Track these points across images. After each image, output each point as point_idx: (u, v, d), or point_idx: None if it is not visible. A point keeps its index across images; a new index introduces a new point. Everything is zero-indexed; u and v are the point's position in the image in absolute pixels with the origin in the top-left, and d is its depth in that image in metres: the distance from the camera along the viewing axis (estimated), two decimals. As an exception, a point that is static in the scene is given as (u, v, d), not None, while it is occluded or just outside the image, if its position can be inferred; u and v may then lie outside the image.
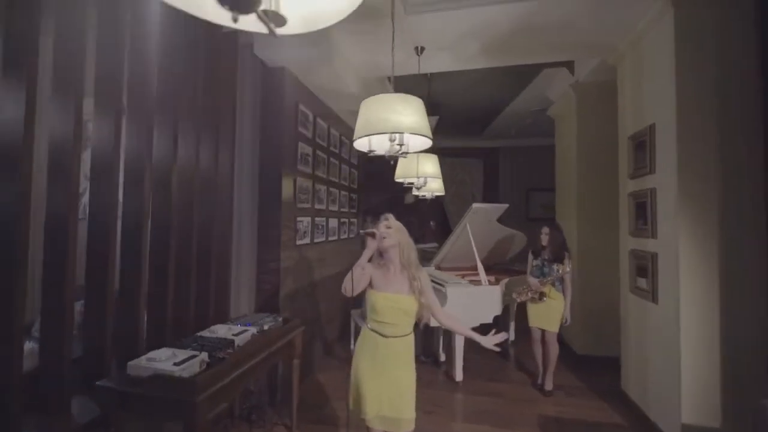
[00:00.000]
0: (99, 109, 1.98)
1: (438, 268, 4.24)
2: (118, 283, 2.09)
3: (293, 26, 0.69)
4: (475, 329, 3.31)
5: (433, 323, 3.30)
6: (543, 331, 3.23)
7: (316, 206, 3.71)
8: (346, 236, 4.67)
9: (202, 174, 2.54)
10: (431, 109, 3.69)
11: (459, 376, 3.39)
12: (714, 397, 2.21)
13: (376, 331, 1.77)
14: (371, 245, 1.76)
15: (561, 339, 3.35)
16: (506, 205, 4.00)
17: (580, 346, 4.02)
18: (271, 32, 0.64)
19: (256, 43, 2.78)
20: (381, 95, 1.79)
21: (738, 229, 2.18)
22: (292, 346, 2.50)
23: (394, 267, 1.79)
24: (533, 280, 3.22)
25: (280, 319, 2.50)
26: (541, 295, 3.17)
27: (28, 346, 2.17)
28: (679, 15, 2.25)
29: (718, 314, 2.21)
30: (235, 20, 0.57)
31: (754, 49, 2.14)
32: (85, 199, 2.06)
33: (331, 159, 4.14)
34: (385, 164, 2.80)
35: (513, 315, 4.46)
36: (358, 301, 4.45)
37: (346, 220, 4.70)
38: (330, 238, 4.11)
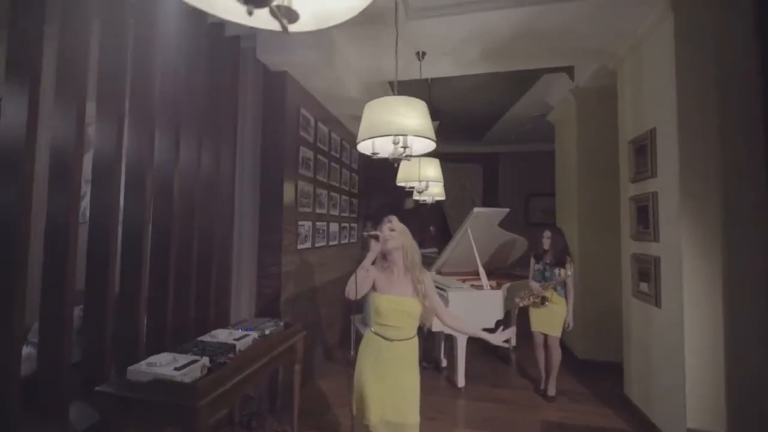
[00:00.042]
0: (101, 113, 1.97)
1: (439, 272, 4.22)
2: (117, 287, 2.08)
3: (305, 23, 0.69)
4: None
5: (435, 328, 3.30)
6: (545, 336, 3.21)
7: (317, 210, 3.71)
8: (346, 241, 4.66)
9: (204, 178, 2.54)
10: (431, 115, 3.71)
11: (461, 381, 3.36)
12: (719, 401, 2.20)
13: (379, 335, 1.76)
14: (375, 248, 1.75)
15: (563, 344, 3.33)
16: (507, 210, 3.99)
17: (582, 351, 4.00)
18: (284, 28, 0.63)
19: (259, 47, 2.79)
20: (385, 98, 1.79)
21: (740, 232, 2.18)
22: (293, 351, 2.47)
23: (398, 269, 1.79)
24: (535, 285, 3.20)
25: (282, 323, 2.48)
26: (543, 300, 3.16)
27: (26, 350, 2.14)
28: (678, 19, 2.27)
29: (722, 317, 2.20)
30: (250, 13, 0.57)
31: (753, 53, 2.15)
32: (85, 202, 2.05)
33: (332, 163, 4.14)
34: (386, 169, 2.81)
35: (514, 320, 4.43)
36: (359, 306, 4.44)
37: (347, 224, 4.69)
38: (331, 243, 4.10)
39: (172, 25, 2.28)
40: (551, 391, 3.20)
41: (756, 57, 2.12)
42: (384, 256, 1.79)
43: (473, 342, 3.41)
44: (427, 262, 4.55)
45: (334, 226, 4.18)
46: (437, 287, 3.34)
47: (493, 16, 2.53)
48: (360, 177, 5.33)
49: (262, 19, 0.66)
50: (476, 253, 3.64)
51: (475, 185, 7.48)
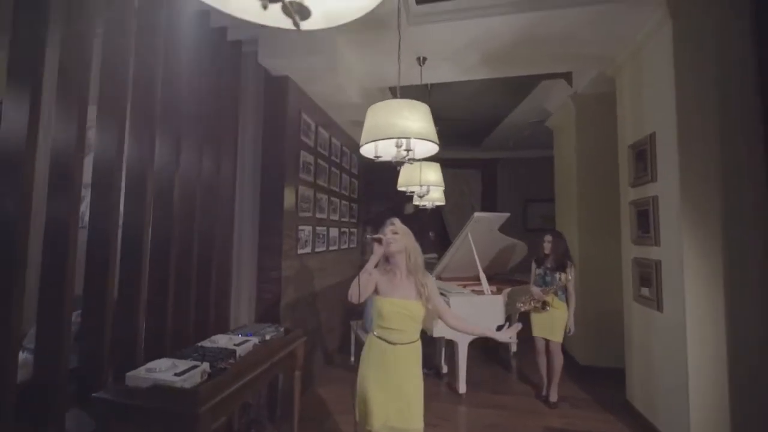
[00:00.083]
0: (102, 117, 1.97)
1: (439, 278, 4.20)
2: (116, 293, 2.05)
3: (316, 21, 0.69)
4: (478, 339, 3.35)
5: (437, 333, 3.28)
6: (547, 341, 3.20)
7: (318, 215, 3.69)
8: (346, 246, 4.64)
9: (204, 182, 2.53)
10: (432, 119, 3.73)
11: (462, 388, 3.33)
12: (723, 404, 2.19)
13: (382, 338, 1.74)
14: (378, 251, 1.74)
15: (564, 350, 3.31)
16: (507, 214, 4.00)
17: (583, 357, 3.98)
18: (296, 25, 0.63)
19: (261, 51, 2.80)
20: (388, 101, 1.80)
21: (741, 234, 2.19)
22: (293, 357, 2.44)
23: (401, 272, 1.78)
24: (536, 290, 3.19)
25: (282, 329, 2.45)
26: (544, 305, 3.14)
27: (21, 356, 2.10)
28: (677, 26, 2.30)
29: (724, 320, 2.20)
30: (264, 7, 0.56)
31: (752, 58, 2.18)
32: (83, 206, 2.03)
33: (332, 168, 4.14)
34: (385, 174, 2.81)
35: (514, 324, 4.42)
36: (359, 312, 4.41)
37: (347, 229, 4.68)
38: (331, 248, 4.08)
39: (175, 30, 2.28)
40: (553, 397, 3.18)
41: (754, 61, 2.15)
42: (387, 258, 1.78)
43: (474, 348, 3.38)
44: (427, 268, 4.54)
45: (334, 231, 4.17)
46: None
47: (494, 22, 2.56)
48: (360, 182, 5.33)
49: (274, 17, 0.66)
50: (477, 258, 3.63)
51: (473, 191, 7.49)
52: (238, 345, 2.05)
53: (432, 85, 3.89)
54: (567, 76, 4.02)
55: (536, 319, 3.23)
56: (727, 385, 2.17)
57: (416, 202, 4.00)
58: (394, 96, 3.13)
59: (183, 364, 1.74)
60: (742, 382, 2.16)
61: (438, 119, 5.48)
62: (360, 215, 5.35)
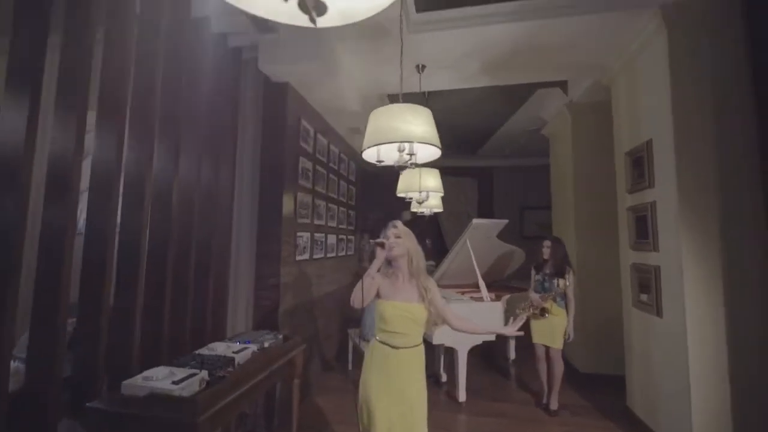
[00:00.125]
0: (101, 123, 1.95)
1: (437, 285, 4.18)
2: (112, 299, 2.01)
3: (331, 18, 0.69)
4: (477, 346, 3.32)
5: (436, 341, 3.25)
6: (547, 348, 3.18)
7: (316, 222, 3.68)
8: (344, 253, 4.62)
9: (203, 187, 2.50)
10: (430, 127, 3.76)
11: (462, 396, 3.29)
12: (725, 408, 2.18)
13: (385, 343, 1.72)
14: (380, 255, 1.73)
15: (564, 357, 3.30)
16: (506, 221, 4.01)
17: (583, 365, 3.96)
18: (312, 21, 0.63)
19: (261, 57, 2.81)
20: (390, 105, 1.80)
21: (739, 238, 2.21)
22: (292, 364, 2.40)
23: (403, 275, 1.77)
24: (534, 296, 3.19)
25: (281, 336, 2.42)
26: (543, 311, 3.13)
27: (12, 365, 2.04)
28: (672, 35, 2.35)
29: (724, 323, 2.21)
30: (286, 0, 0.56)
31: (746, 64, 2.22)
32: (79, 211, 1.99)
33: (331, 175, 4.14)
34: (383, 181, 2.81)
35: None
36: (356, 320, 4.36)
37: (345, 236, 4.66)
38: (329, 255, 4.05)
39: (175, 35, 2.28)
40: (553, 405, 3.15)
41: (749, 68, 2.19)
42: (389, 262, 1.77)
43: (472, 355, 3.36)
44: (425, 275, 4.52)
45: (331, 238, 4.15)
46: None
47: (493, 31, 2.60)
48: (357, 189, 5.33)
49: (291, 13, 0.66)
50: (476, 265, 3.62)
51: (470, 199, 7.52)
52: (236, 352, 2.01)
53: (429, 93, 3.93)
54: (562, 85, 4.08)
55: (536, 325, 3.21)
56: (728, 389, 2.18)
57: (414, 208, 4.00)
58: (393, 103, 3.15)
59: (181, 372, 1.70)
60: (743, 386, 2.16)
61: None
62: (357, 222, 5.34)
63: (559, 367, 3.14)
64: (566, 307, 3.13)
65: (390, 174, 3.14)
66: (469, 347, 3.30)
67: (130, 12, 2.06)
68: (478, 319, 3.34)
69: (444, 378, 3.75)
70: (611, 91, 3.27)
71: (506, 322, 3.70)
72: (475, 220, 3.70)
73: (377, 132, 1.73)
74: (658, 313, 2.56)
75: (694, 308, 2.25)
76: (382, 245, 1.72)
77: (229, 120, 2.75)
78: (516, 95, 4.45)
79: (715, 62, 2.28)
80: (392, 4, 0.75)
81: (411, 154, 1.75)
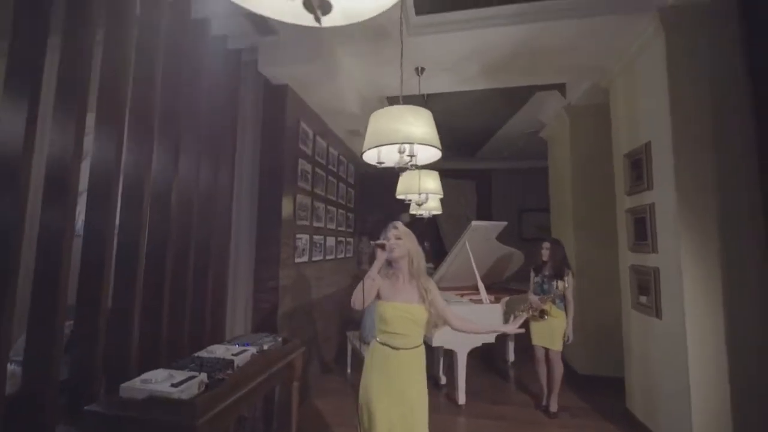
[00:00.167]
0: (100, 124, 1.94)
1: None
2: (110, 302, 1.99)
3: (334, 18, 0.69)
4: (476, 349, 3.31)
5: (435, 343, 3.24)
6: (546, 350, 3.18)
7: (315, 224, 3.67)
8: (343, 255, 4.61)
9: (202, 190, 2.50)
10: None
11: (462, 399, 3.28)
12: (725, 409, 2.19)
13: (386, 344, 1.72)
14: (381, 257, 1.72)
15: (563, 359, 3.29)
16: (505, 223, 4.01)
17: (582, 366, 3.96)
18: (317, 20, 0.63)
19: (261, 59, 2.81)
20: (391, 107, 1.80)
21: (738, 239, 2.22)
22: (292, 367, 2.39)
23: (403, 276, 1.77)
24: (533, 298, 3.18)
25: (280, 339, 2.40)
26: (542, 313, 3.13)
27: (9, 368, 2.02)
28: (670, 38, 2.37)
29: (723, 324, 2.22)
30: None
31: (744, 67, 2.24)
32: (77, 213, 1.98)
33: (330, 177, 4.14)
34: (381, 184, 2.82)
35: (512, 335, 4.40)
36: (355, 322, 4.34)
37: (343, 239, 4.65)
38: (327, 257, 4.04)
39: (175, 37, 2.28)
40: (553, 407, 3.15)
41: (746, 70, 2.21)
42: (389, 263, 1.77)
43: (471, 358, 3.35)
44: (424, 277, 4.51)
45: (330, 240, 4.14)
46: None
47: (492, 33, 2.61)
48: (356, 192, 5.33)
49: (295, 13, 0.66)
50: (475, 267, 3.62)
51: (469, 201, 7.53)
52: (235, 355, 2.00)
53: (428, 95, 3.94)
54: (561, 88, 4.10)
55: (535, 327, 3.21)
56: (728, 390, 2.18)
57: (413, 210, 4.00)
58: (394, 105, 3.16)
59: (180, 375, 1.69)
60: (742, 386, 2.17)
61: (434, 129, 5.55)
62: (356, 225, 5.33)
63: (558, 369, 3.14)
64: (565, 309, 3.13)
65: (389, 176, 3.15)
66: (468, 349, 3.29)
67: (130, 13, 2.05)
68: (477, 320, 3.33)
69: (443, 381, 3.73)
70: (609, 94, 3.29)
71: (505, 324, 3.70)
72: (474, 222, 3.70)
73: (378, 133, 1.73)
74: (658, 314, 2.56)
75: (693, 309, 2.26)
76: (382, 246, 1.72)
77: (228, 122, 2.74)
78: (515, 98, 4.47)
79: (713, 64, 2.29)
80: (392, 6, 0.75)
81: (411, 156, 1.75)
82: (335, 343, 4.36)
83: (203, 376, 1.69)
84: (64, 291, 1.69)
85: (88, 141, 1.92)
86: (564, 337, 3.10)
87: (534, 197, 6.93)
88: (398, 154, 1.79)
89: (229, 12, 2.48)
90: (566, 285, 3.08)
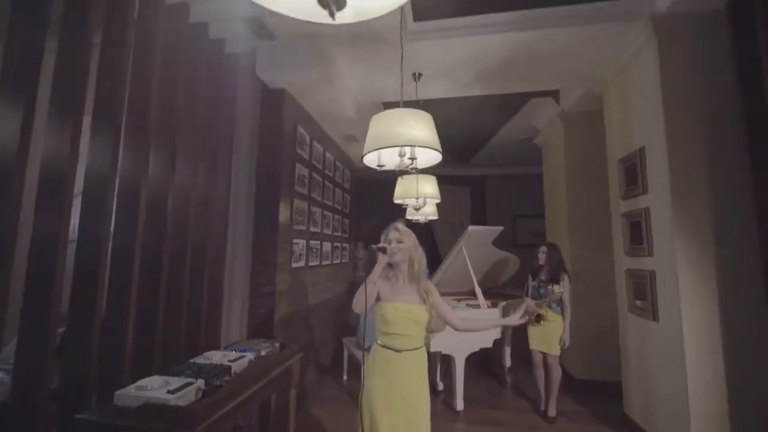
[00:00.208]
0: (96, 128, 1.92)
1: (433, 292, 4.16)
2: (104, 307, 1.95)
3: (346, 15, 0.69)
4: (473, 354, 3.30)
5: (433, 348, 3.22)
6: (544, 355, 3.18)
7: (312, 229, 3.65)
8: (339, 261, 4.58)
9: (199, 193, 2.47)
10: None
11: (460, 405, 3.25)
12: (722, 412, 2.20)
13: (387, 347, 1.70)
14: (382, 260, 1.71)
15: (560, 363, 3.29)
16: (501, 228, 4.03)
17: (578, 371, 3.96)
18: (332, 14, 0.63)
19: (259, 64, 2.81)
20: (391, 110, 1.81)
21: (732, 241, 2.26)
22: (289, 374, 2.35)
23: (403, 276, 1.77)
24: (530, 302, 3.19)
25: (277, 344, 2.37)
26: (539, 318, 3.13)
27: (-2, 377, 1.96)
28: (663, 44, 2.42)
29: (720, 326, 2.24)
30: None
31: (735, 71, 2.29)
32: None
33: (326, 182, 4.13)
34: (377, 189, 2.82)
35: (509, 340, 4.40)
36: (351, 328, 4.31)
37: (339, 244, 4.63)
38: (324, 262, 4.02)
39: (173, 41, 2.28)
40: (552, 412, 3.14)
41: (737, 74, 2.26)
42: (389, 264, 1.76)
43: (469, 363, 3.33)
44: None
45: (327, 246, 4.12)
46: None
47: (489, 40, 2.64)
48: (352, 197, 5.32)
49: (308, 10, 0.66)
50: (472, 272, 3.62)
51: (463, 207, 7.57)
52: (233, 361, 1.96)
53: (423, 101, 3.96)
54: (554, 94, 4.16)
55: (533, 332, 3.21)
56: (725, 392, 2.19)
57: (410, 216, 4.00)
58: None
59: (176, 382, 1.65)
60: (739, 388, 2.18)
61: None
62: (352, 230, 5.31)
63: (557, 374, 3.14)
64: (562, 314, 3.14)
65: (384, 182, 3.15)
66: (466, 354, 3.28)
67: (128, 16, 2.04)
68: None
69: (441, 387, 3.70)
70: (603, 100, 3.34)
71: (504, 330, 3.70)
72: (470, 227, 3.70)
73: (379, 136, 1.73)
74: (654, 317, 2.58)
75: (690, 312, 2.28)
76: (383, 250, 1.71)
77: (225, 125, 2.73)
78: (509, 105, 4.52)
79: (705, 71, 2.35)
80: (392, 12, 0.76)
81: (412, 159, 1.76)
82: (331, 349, 4.31)
83: (200, 383, 1.66)
84: (58, 296, 1.65)
85: (83, 144, 1.89)
86: (560, 341, 3.11)
87: (528, 203, 6.99)
88: (399, 158, 1.79)
89: (228, 16, 2.49)
90: (562, 289, 3.09)
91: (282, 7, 0.66)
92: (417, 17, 2.60)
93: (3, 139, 1.59)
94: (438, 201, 3.50)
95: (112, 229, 1.97)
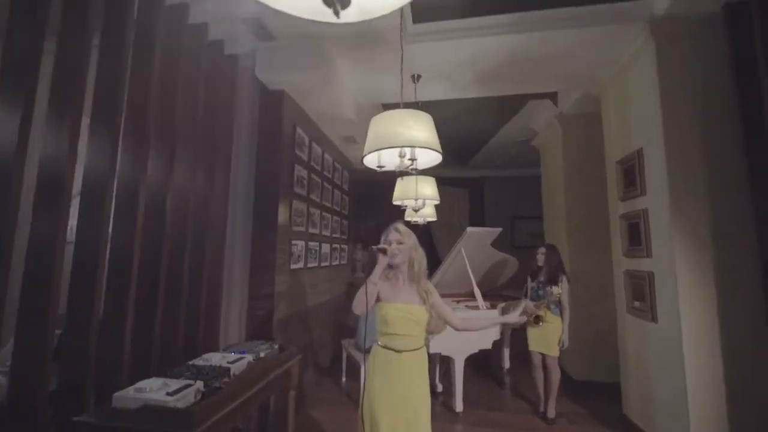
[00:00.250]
0: (95, 129, 1.91)
1: (432, 294, 4.15)
2: (102, 309, 1.93)
3: (350, 14, 0.69)
4: (472, 356, 3.30)
5: (432, 350, 3.22)
6: (543, 356, 3.18)
7: (310, 230, 3.64)
8: (337, 262, 4.57)
9: (197, 194, 2.46)
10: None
11: (459, 406, 3.25)
12: (721, 412, 2.20)
13: (387, 347, 1.70)
14: (382, 262, 1.71)
15: (558, 364, 3.29)
16: (500, 229, 4.03)
17: (577, 372, 3.97)
18: (336, 13, 0.63)
19: (258, 65, 2.81)
20: (392, 111, 1.81)
21: (730, 242, 2.27)
22: (288, 375, 2.34)
23: (402, 276, 1.77)
24: (528, 304, 3.19)
25: (276, 346, 2.36)
26: (537, 319, 3.14)
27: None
28: (660, 47, 2.44)
29: (718, 328, 2.25)
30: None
31: (732, 73, 2.30)
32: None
33: (325, 183, 4.13)
34: (376, 191, 2.82)
35: (508, 341, 4.40)
36: (350, 330, 4.29)
37: (338, 245, 4.62)
38: (322, 264, 4.01)
39: (172, 42, 2.27)
40: (551, 413, 3.14)
41: (734, 76, 2.27)
42: (389, 265, 1.76)
43: (467, 365, 3.32)
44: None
45: (325, 247, 4.11)
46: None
47: (489, 42, 2.65)
48: (350, 199, 5.32)
49: (313, 9, 0.66)
50: (471, 273, 3.62)
51: (461, 209, 7.58)
52: (232, 363, 1.95)
53: (422, 103, 3.97)
54: (552, 97, 4.18)
55: (532, 333, 3.21)
56: (724, 392, 2.20)
57: (409, 217, 4.00)
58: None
59: (175, 383, 1.64)
60: (737, 389, 2.19)
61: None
62: (350, 232, 5.31)
63: (556, 375, 3.14)
64: (561, 315, 3.14)
65: (383, 184, 3.15)
66: (466, 356, 3.28)
67: (127, 17, 2.04)
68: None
69: (440, 388, 3.70)
70: (601, 102, 3.36)
71: (503, 331, 3.70)
72: (469, 229, 3.71)
73: (379, 137, 1.73)
74: (653, 318, 2.58)
75: (688, 313, 2.28)
76: (384, 252, 1.70)
77: (225, 126, 2.73)
78: (507, 107, 4.54)
79: (703, 72, 2.36)
80: (392, 13, 0.76)
81: (412, 159, 1.76)
82: (330, 350, 4.30)
83: (199, 385, 1.65)
84: (56, 298, 1.64)
85: (82, 145, 1.88)
86: (559, 342, 3.11)
87: (526, 205, 7.01)
88: (399, 158, 1.79)
89: (227, 17, 2.49)
90: (560, 290, 3.10)
91: (286, 6, 0.66)
92: (416, 19, 2.61)
93: (1, 139, 1.58)
94: (437, 202, 3.50)
95: (110, 230, 1.96)
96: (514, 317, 1.91)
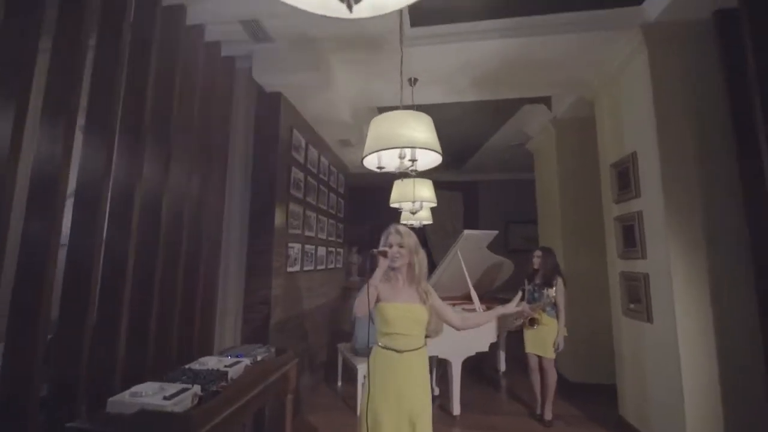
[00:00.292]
0: (90, 131, 1.88)
1: (428, 297, 4.15)
2: (95, 313, 1.89)
3: (363, 9, 0.69)
4: (467, 359, 3.29)
5: (429, 352, 3.20)
6: (540, 358, 3.18)
7: (306, 233, 3.62)
8: (333, 266, 4.55)
9: (193, 197, 2.44)
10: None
11: (457, 410, 3.24)
12: (717, 413, 2.22)
13: (388, 348, 1.69)
14: (383, 264, 1.70)
15: (554, 366, 3.30)
16: (496, 232, 4.05)
17: (573, 374, 3.98)
18: (349, 7, 0.63)
19: (255, 67, 2.80)
20: (392, 112, 1.81)
21: (724, 242, 2.30)
22: (286, 379, 2.31)
23: (402, 278, 1.77)
24: (524, 305, 3.20)
25: (273, 350, 2.33)
26: (532, 321, 3.15)
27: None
28: (653, 52, 2.49)
29: (713, 329, 2.27)
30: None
31: (723, 77, 2.34)
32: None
33: (321, 186, 4.11)
34: (372, 195, 2.81)
35: (503, 344, 4.41)
36: (346, 334, 4.26)
37: (333, 249, 4.60)
38: (318, 267, 3.98)
39: (169, 43, 2.26)
40: (548, 415, 3.14)
41: (725, 80, 2.32)
42: (390, 267, 1.75)
43: (463, 368, 3.32)
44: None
45: (321, 250, 4.09)
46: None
47: (486, 46, 2.68)
48: (346, 202, 5.31)
49: (324, 4, 0.66)
50: (467, 275, 3.63)
51: (456, 213, 7.60)
52: (229, 366, 1.92)
53: (418, 107, 3.99)
54: (546, 101, 4.23)
55: (528, 335, 3.22)
56: (719, 393, 2.22)
57: (405, 220, 4.01)
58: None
59: (171, 388, 1.61)
60: (734, 389, 2.21)
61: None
62: (346, 235, 5.29)
63: (552, 377, 3.15)
64: (557, 317, 3.16)
65: (379, 187, 3.14)
66: (463, 358, 3.27)
67: (123, 18, 2.02)
68: (471, 330, 3.32)
69: (436, 391, 3.68)
70: (595, 106, 3.41)
71: (499, 334, 3.70)
72: (465, 231, 3.71)
73: (379, 138, 1.73)
74: (648, 319, 2.61)
75: (683, 314, 2.31)
76: (384, 254, 1.70)
77: (221, 128, 2.71)
78: (501, 111, 4.58)
79: (695, 77, 2.42)
80: (390, 17, 0.76)
81: (413, 160, 1.76)
82: (326, 355, 4.26)
83: (197, 389, 1.62)
84: (48, 301, 1.60)
85: (76, 147, 1.85)
86: (554, 345, 3.12)
87: (520, 209, 7.05)
88: (399, 159, 1.79)
89: (225, 19, 2.48)
90: (554, 293, 3.12)
91: (300, 1, 0.66)
92: (414, 23, 2.63)
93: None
94: (435, 205, 3.51)
95: (104, 233, 1.92)
96: (511, 307, 1.91)
